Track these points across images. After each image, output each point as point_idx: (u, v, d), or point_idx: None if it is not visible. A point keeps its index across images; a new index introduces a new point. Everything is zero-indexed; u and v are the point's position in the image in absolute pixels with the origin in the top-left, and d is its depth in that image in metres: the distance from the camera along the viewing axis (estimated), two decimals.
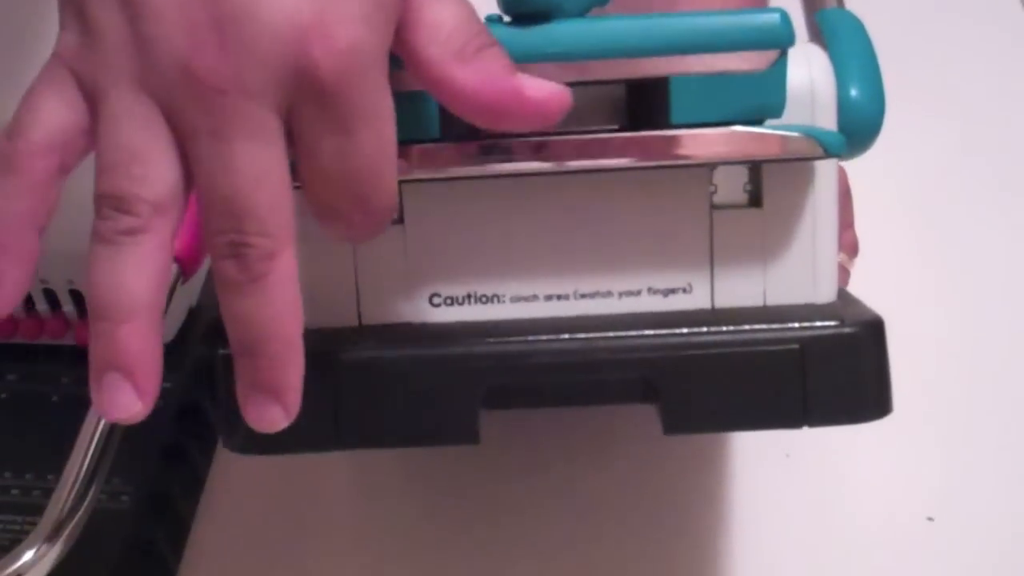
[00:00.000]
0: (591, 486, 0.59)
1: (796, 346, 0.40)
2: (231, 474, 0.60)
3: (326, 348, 0.41)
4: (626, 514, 0.58)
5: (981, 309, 0.66)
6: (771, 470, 0.59)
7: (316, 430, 0.40)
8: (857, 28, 0.46)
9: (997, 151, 0.74)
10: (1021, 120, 0.76)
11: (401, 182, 0.41)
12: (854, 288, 0.57)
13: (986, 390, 0.62)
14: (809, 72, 0.42)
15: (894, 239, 0.67)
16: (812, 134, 0.40)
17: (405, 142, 0.40)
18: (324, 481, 0.59)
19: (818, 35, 0.46)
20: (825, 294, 0.43)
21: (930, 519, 0.57)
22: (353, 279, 0.43)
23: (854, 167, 0.53)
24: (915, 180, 0.72)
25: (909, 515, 0.57)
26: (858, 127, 0.44)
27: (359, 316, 0.43)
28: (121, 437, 0.51)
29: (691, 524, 0.58)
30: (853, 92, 0.44)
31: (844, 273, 0.57)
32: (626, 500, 0.58)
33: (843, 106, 0.43)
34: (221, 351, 0.42)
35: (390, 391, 0.40)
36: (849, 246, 0.59)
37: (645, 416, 0.42)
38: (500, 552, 0.57)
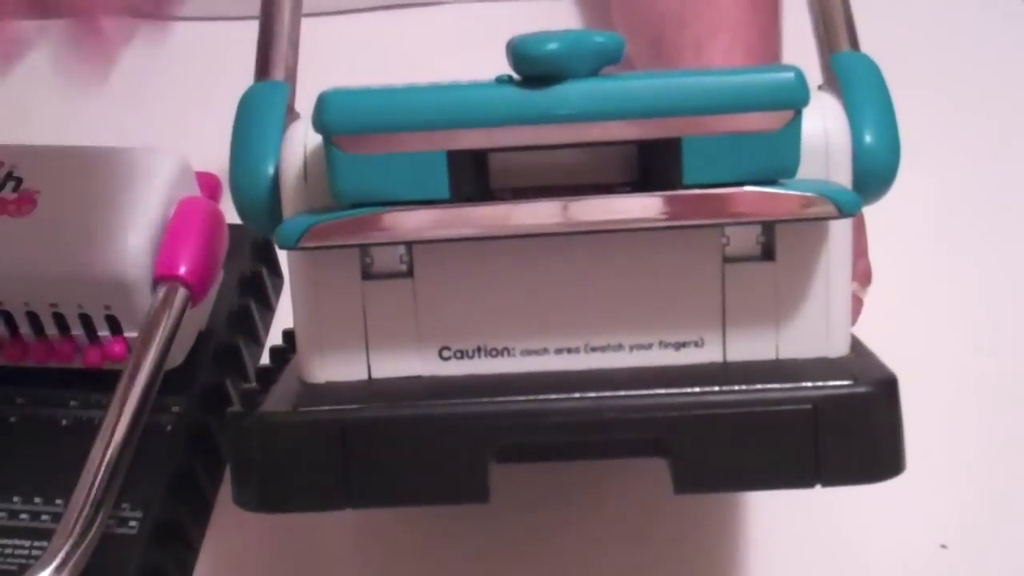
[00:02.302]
0: (595, 512, 0.59)
1: (809, 406, 0.39)
2: None
3: (335, 404, 0.40)
4: (635, 540, 0.58)
5: (995, 335, 0.65)
6: (782, 497, 0.58)
7: (325, 488, 0.40)
8: (872, 72, 0.45)
9: (1013, 175, 0.74)
10: None
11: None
12: (867, 314, 0.57)
13: (1000, 416, 0.62)
14: (823, 123, 0.42)
15: (908, 266, 0.67)
16: (826, 194, 0.39)
17: (415, 202, 0.39)
18: None
19: (832, 79, 0.45)
20: (838, 348, 0.43)
21: (943, 546, 0.57)
22: (363, 332, 0.43)
23: None
24: (929, 207, 0.71)
25: (922, 542, 0.57)
26: (873, 175, 0.43)
27: (368, 370, 0.43)
28: (130, 462, 0.51)
29: (701, 546, 0.58)
30: (868, 139, 0.43)
31: (857, 303, 0.56)
32: (633, 524, 0.58)
33: (858, 154, 0.43)
34: (229, 409, 0.42)
35: (399, 450, 0.40)
36: (862, 275, 0.58)
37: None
38: None
